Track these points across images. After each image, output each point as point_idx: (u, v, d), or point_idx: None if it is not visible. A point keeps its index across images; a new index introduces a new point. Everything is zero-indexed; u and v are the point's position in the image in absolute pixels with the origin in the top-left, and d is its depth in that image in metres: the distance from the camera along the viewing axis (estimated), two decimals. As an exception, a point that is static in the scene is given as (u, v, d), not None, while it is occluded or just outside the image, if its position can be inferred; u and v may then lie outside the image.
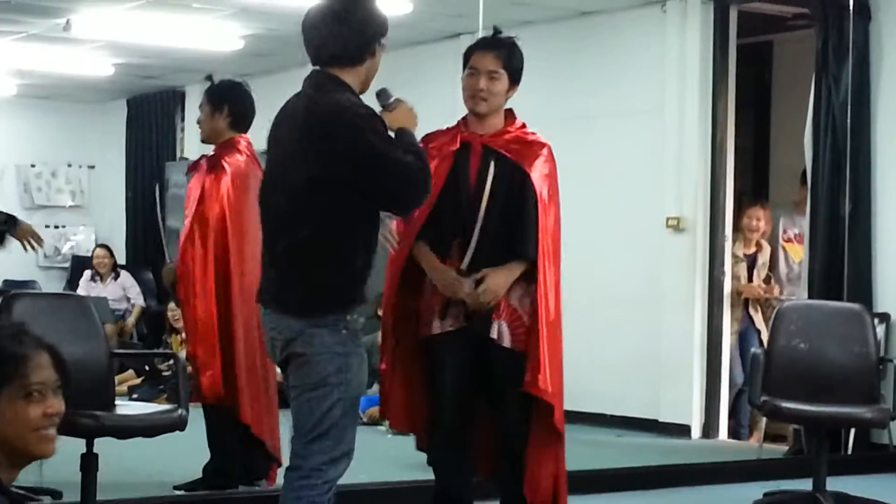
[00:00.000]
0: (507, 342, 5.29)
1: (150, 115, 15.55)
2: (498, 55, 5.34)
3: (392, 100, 4.73)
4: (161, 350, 11.06)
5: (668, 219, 10.05)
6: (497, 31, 5.50)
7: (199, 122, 6.95)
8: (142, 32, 11.56)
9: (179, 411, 6.04)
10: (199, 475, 6.82)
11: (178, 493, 6.75)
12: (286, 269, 4.49)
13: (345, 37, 4.50)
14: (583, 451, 5.60)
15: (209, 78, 7.00)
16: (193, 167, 7.01)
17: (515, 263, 5.29)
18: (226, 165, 6.71)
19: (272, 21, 10.27)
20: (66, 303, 6.30)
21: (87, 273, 13.49)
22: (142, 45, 12.17)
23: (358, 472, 7.57)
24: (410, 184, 4.44)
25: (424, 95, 8.10)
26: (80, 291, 12.86)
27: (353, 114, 4.40)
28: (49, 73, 13.34)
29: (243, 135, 6.85)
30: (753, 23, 10.37)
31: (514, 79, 5.39)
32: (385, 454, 7.61)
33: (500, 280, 5.25)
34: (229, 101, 6.81)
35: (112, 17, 10.96)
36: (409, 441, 5.70)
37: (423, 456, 5.53)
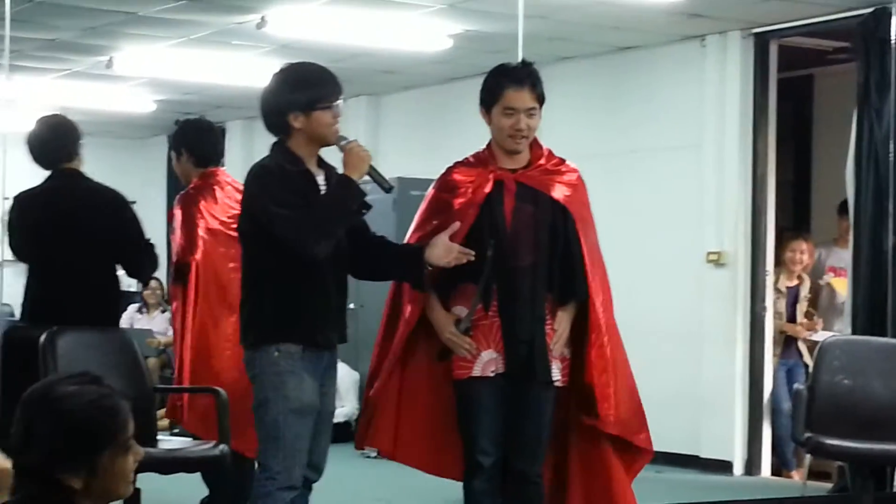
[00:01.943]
0: (559, 382, 5.28)
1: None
2: (533, 89, 5.25)
3: (343, 143, 5.11)
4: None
5: (708, 253, 10.02)
6: (523, 63, 5.44)
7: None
8: (183, 69, 11.65)
9: (221, 447, 6.04)
10: None
11: None
12: (240, 306, 5.17)
13: (265, 112, 5.13)
14: (624, 486, 5.55)
15: (177, 122, 7.11)
16: (170, 214, 7.06)
17: (571, 307, 5.28)
18: (202, 206, 6.73)
19: (313, 57, 10.32)
20: (109, 337, 6.30)
21: (134, 306, 13.52)
22: (183, 81, 12.26)
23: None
24: (283, 235, 4.89)
25: (462, 130, 8.13)
26: (124, 323, 12.90)
27: (251, 175, 5.05)
28: (91, 109, 13.42)
29: (216, 168, 6.88)
30: (794, 57, 10.36)
31: (541, 108, 5.30)
32: (420, 490, 7.59)
33: (565, 325, 5.26)
34: (185, 144, 6.88)
35: (154, 54, 11.06)
36: (443, 480, 5.67)
37: (453, 490, 5.50)
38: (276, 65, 5.34)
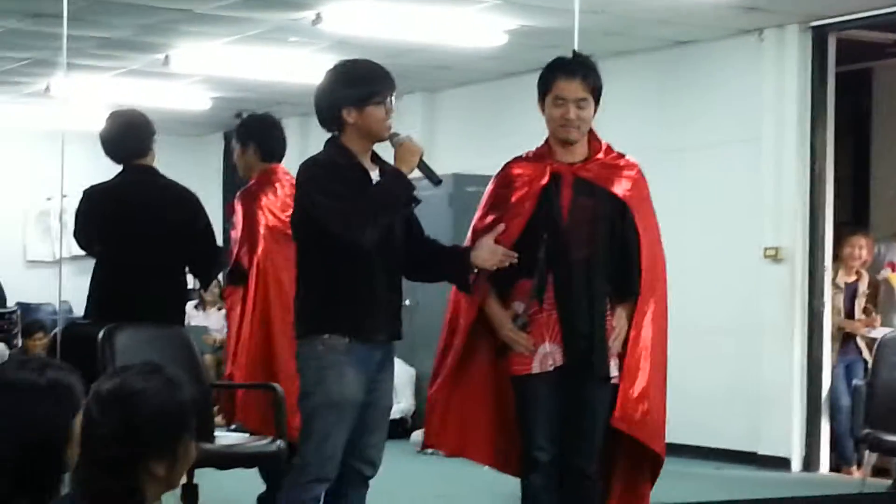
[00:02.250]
0: (615, 379, 5.25)
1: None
2: (584, 80, 5.22)
3: (395, 140, 5.15)
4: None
5: (766, 249, 9.96)
6: (576, 55, 5.43)
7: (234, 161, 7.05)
8: (239, 66, 11.69)
9: (278, 442, 6.06)
10: None
11: None
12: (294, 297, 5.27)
13: (318, 108, 5.21)
14: (681, 483, 5.53)
15: (238, 115, 7.10)
16: (231, 207, 7.09)
17: (629, 303, 5.24)
18: (262, 199, 6.75)
19: (367, 52, 10.33)
20: (167, 334, 6.32)
21: (191, 302, 13.58)
22: (239, 79, 12.30)
23: (455, 504, 7.63)
24: (330, 223, 4.97)
25: (518, 126, 8.13)
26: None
27: (303, 168, 5.13)
28: (148, 107, 13.33)
29: (276, 164, 6.91)
30: (852, 50, 10.27)
31: (598, 100, 5.27)
32: (480, 486, 7.59)
33: (624, 322, 5.23)
34: (254, 137, 6.90)
35: (210, 51, 11.10)
36: (506, 476, 5.66)
37: (512, 486, 5.49)
38: (331, 61, 5.37)
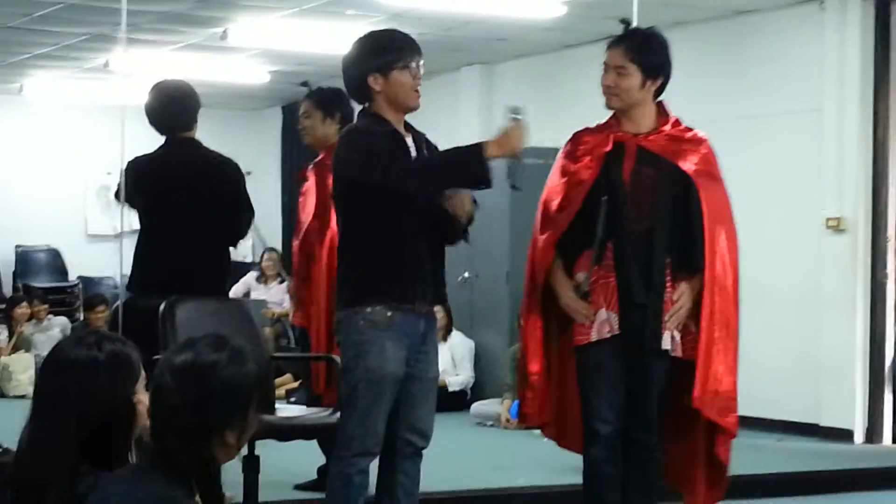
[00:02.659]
0: (678, 352, 5.22)
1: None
2: (626, 50, 5.22)
3: (512, 116, 5.05)
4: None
5: (827, 219, 9.88)
6: (627, 25, 5.40)
7: (303, 129, 7.02)
8: (297, 40, 11.70)
9: (337, 414, 6.06)
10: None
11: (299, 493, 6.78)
12: (337, 269, 5.31)
13: (346, 79, 5.24)
14: (742, 455, 5.49)
15: (305, 84, 7.06)
16: (302, 175, 7.08)
17: (694, 279, 5.20)
18: None
19: (426, 25, 10.31)
20: (227, 307, 6.33)
21: (254, 274, 13.64)
22: (297, 52, 12.32)
23: (515, 476, 7.63)
24: (385, 175, 4.91)
25: (578, 97, 8.11)
26: (241, 290, 13.05)
27: (341, 137, 5.23)
28: (206, 81, 13.47)
29: None
30: (915, 18, 10.14)
31: (650, 72, 5.23)
32: (539, 458, 7.59)
33: (688, 296, 5.19)
34: (340, 107, 6.89)
35: (267, 25, 11.12)
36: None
37: (573, 458, 5.48)
38: (390, 34, 5.36)
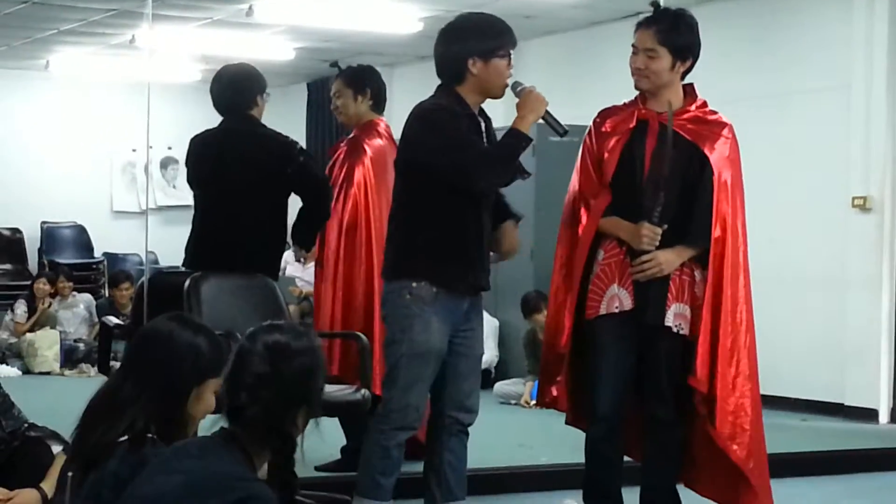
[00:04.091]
0: (684, 330, 5.22)
1: (330, 98, 15.68)
2: (656, 32, 5.24)
3: (520, 89, 5.20)
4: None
5: (854, 198, 9.84)
6: (657, 6, 5.39)
7: (335, 109, 7.01)
8: (322, 16, 11.69)
9: (363, 391, 6.07)
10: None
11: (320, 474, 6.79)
12: (386, 240, 5.39)
13: (442, 56, 5.24)
14: (767, 434, 5.47)
15: (335, 64, 7.09)
16: (333, 150, 7.11)
17: (684, 247, 5.21)
18: (367, 148, 6.78)
19: (452, 3, 10.29)
20: (253, 283, 6.33)
21: (293, 252, 13.62)
22: (322, 28, 12.31)
23: (537, 454, 7.63)
24: (457, 168, 5.04)
25: (606, 74, 8.09)
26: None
27: (421, 110, 5.16)
28: (232, 58, 13.35)
29: (381, 117, 6.92)
30: (944, -4, 10.07)
31: (680, 54, 5.25)
32: (562, 437, 7.59)
33: (669, 256, 5.19)
34: (370, 84, 6.89)
35: (293, 1, 11.10)
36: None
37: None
38: (415, 11, 5.39)
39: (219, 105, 6.56)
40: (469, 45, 5.15)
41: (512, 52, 5.22)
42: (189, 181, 6.66)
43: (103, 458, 3.42)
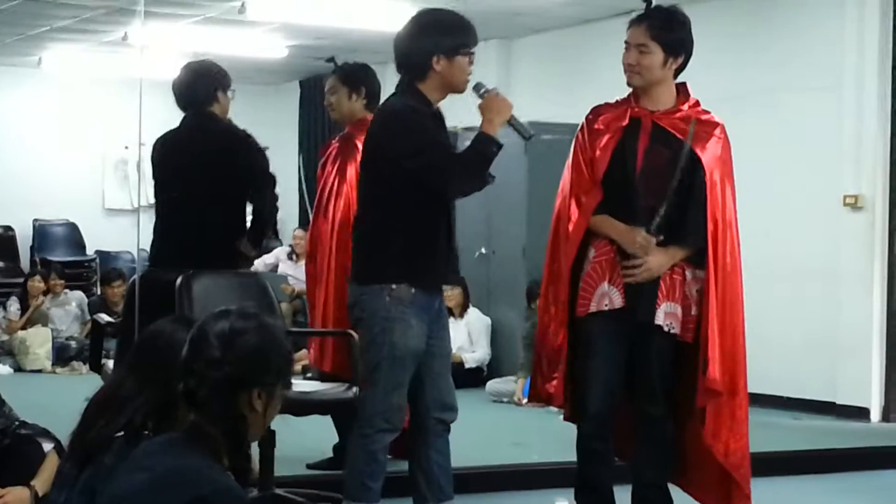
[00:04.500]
0: (675, 329, 5.22)
1: (323, 96, 15.68)
2: (648, 28, 5.24)
3: (483, 90, 5.18)
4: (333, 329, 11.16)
5: (845, 196, 9.84)
6: (649, 3, 5.39)
7: (329, 105, 7.02)
8: (315, 14, 11.68)
9: (354, 389, 6.07)
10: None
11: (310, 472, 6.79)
12: (354, 243, 5.32)
13: (405, 53, 5.20)
14: (758, 433, 5.49)
15: (331, 60, 7.09)
16: (326, 148, 7.12)
17: (676, 248, 5.21)
18: (359, 146, 6.77)
19: (450, 1, 10.29)
20: (244, 281, 6.33)
21: (286, 249, 13.63)
22: (315, 26, 12.30)
23: (530, 453, 7.64)
24: (429, 174, 5.04)
25: (597, 72, 8.09)
26: (270, 263, 13.10)
27: (391, 112, 5.16)
28: (224, 55, 13.40)
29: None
30: (936, -5, 10.08)
31: (672, 50, 5.25)
32: (555, 435, 7.59)
33: (660, 259, 5.19)
34: (365, 83, 6.88)
35: (286, -1, 11.10)
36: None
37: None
38: (409, 9, 5.39)
39: (179, 103, 6.59)
40: (433, 43, 5.13)
41: (474, 49, 5.21)
42: (153, 179, 6.65)
43: (100, 453, 3.49)
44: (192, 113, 6.53)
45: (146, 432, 3.47)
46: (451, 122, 5.44)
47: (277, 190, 6.67)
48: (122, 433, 3.53)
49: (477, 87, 5.19)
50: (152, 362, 3.57)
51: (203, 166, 6.38)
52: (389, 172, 5.08)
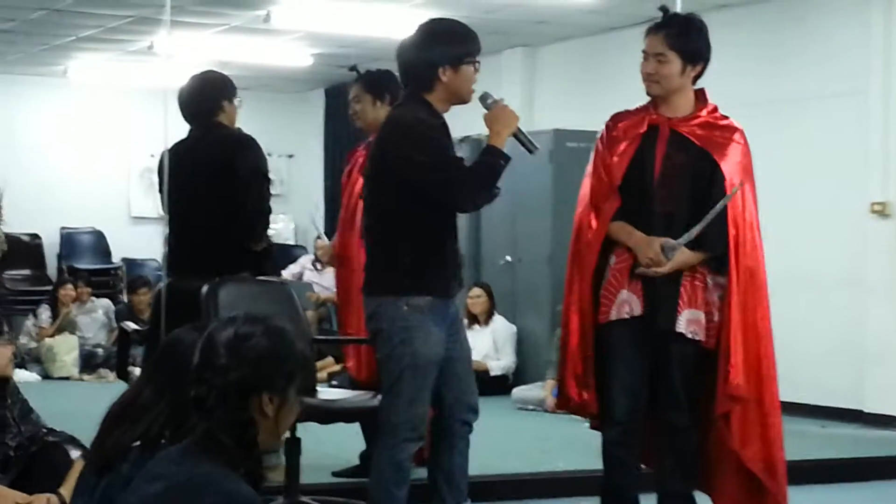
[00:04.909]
0: (699, 336, 5.21)
1: (347, 104, 15.70)
2: (665, 37, 5.22)
3: (490, 101, 5.19)
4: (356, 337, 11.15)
5: (872, 204, 9.81)
6: (665, 11, 5.37)
7: (354, 114, 7.00)
8: (340, 22, 11.70)
9: (379, 397, 6.07)
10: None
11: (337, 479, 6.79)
12: (368, 253, 5.32)
13: (411, 63, 5.21)
14: (785, 441, 5.46)
15: (354, 68, 7.08)
16: (352, 155, 7.12)
17: (692, 252, 5.17)
18: None
19: (468, 8, 10.30)
20: (270, 289, 6.35)
21: (311, 258, 13.65)
22: (340, 34, 12.32)
23: (555, 460, 7.63)
24: (444, 189, 5.06)
25: (621, 80, 8.03)
26: (295, 273, 13.11)
27: (402, 123, 5.13)
28: (249, 64, 13.56)
29: None
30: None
31: (690, 58, 5.24)
32: (582, 443, 7.58)
33: (678, 263, 5.16)
34: (389, 89, 6.87)
35: (311, 7, 11.13)
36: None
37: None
38: (432, 16, 5.38)
39: (184, 114, 6.58)
40: (438, 53, 5.14)
41: (479, 58, 5.20)
42: (159, 192, 6.67)
43: (118, 461, 3.48)
44: (198, 124, 6.52)
45: (163, 441, 3.47)
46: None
47: (276, 190, 6.64)
48: (138, 442, 3.53)
49: (483, 98, 5.20)
50: (171, 371, 3.56)
51: (209, 175, 6.36)
52: (399, 184, 5.09)
